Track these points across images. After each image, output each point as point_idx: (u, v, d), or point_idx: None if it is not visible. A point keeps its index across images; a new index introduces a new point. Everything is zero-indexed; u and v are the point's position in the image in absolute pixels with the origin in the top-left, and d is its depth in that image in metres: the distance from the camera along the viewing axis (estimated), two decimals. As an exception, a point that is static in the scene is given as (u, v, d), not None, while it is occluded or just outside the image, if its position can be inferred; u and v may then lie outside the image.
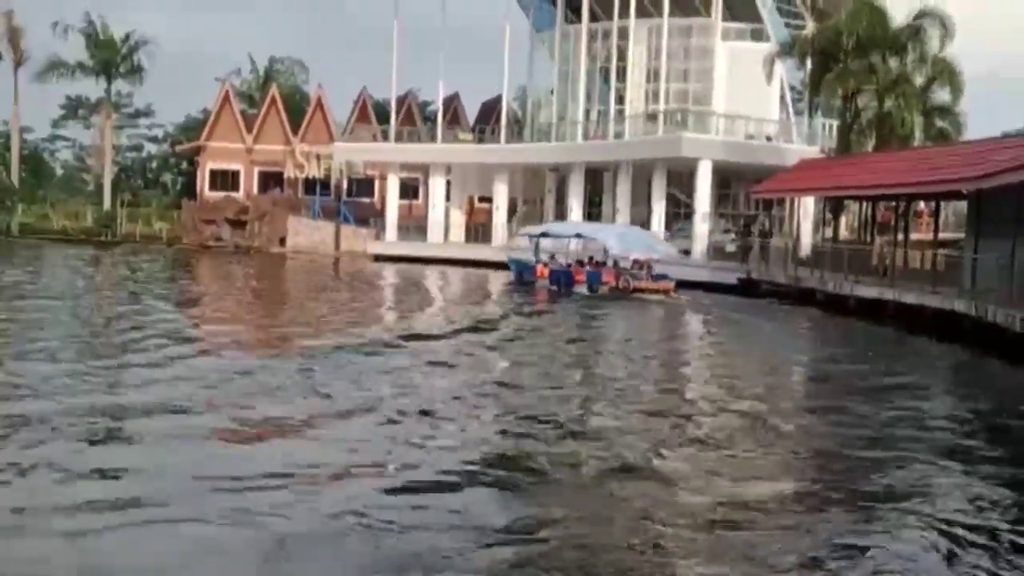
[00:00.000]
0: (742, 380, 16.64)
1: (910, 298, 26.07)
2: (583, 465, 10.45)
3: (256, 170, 61.32)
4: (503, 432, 12.04)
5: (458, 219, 54.15)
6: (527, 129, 55.31)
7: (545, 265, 37.36)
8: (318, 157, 58.01)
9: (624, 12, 47.32)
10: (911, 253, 31.90)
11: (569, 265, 36.83)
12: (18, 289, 28.69)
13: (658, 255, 36.06)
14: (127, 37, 63.67)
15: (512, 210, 52.98)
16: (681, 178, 45.27)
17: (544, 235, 39.22)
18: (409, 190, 57.96)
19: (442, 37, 53.41)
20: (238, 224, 57.15)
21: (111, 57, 63.15)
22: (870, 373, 18.27)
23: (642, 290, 33.71)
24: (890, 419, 13.72)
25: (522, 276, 38.13)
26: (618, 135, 47.36)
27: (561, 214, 50.21)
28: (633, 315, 28.80)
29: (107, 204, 63.51)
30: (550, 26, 54.13)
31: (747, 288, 35.61)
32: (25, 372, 14.16)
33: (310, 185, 58.70)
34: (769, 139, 44.18)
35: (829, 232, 40.21)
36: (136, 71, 64.45)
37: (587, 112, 50.62)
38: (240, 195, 59.97)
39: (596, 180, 50.11)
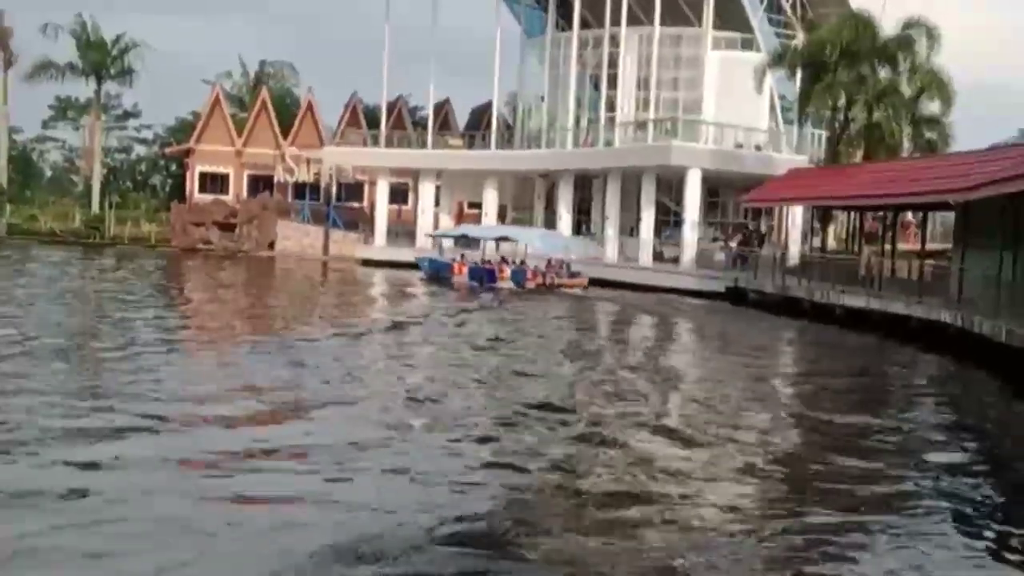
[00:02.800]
0: (724, 387, 16.65)
1: (897, 308, 26.19)
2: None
3: (246, 173, 61.24)
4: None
5: (447, 224, 54.12)
6: (517, 135, 55.35)
7: (463, 263, 40.38)
8: (308, 161, 58.00)
9: (615, 20, 47.39)
10: (898, 263, 32.05)
11: (489, 263, 39.99)
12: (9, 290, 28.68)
13: (575, 255, 41.04)
14: (118, 39, 63.52)
15: (502, 216, 53.01)
16: (670, 186, 45.35)
17: (464, 237, 43.12)
18: (399, 195, 57.99)
19: (433, 43, 53.50)
20: (227, 227, 57.02)
21: (102, 59, 62.99)
22: (851, 382, 18.34)
23: (562, 285, 38.39)
24: (869, 427, 13.76)
25: (438, 273, 40.96)
26: (608, 142, 47.43)
27: (551, 220, 50.26)
28: (587, 309, 28.89)
29: (96, 206, 63.30)
30: (541, 33, 54.20)
31: (735, 296, 35.70)
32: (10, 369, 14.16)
33: (299, 189, 58.67)
34: (759, 148, 44.29)
35: (817, 242, 40.35)
36: (127, 73, 64.31)
37: (577, 119, 50.67)
38: (229, 198, 59.85)
39: (586, 187, 50.16)
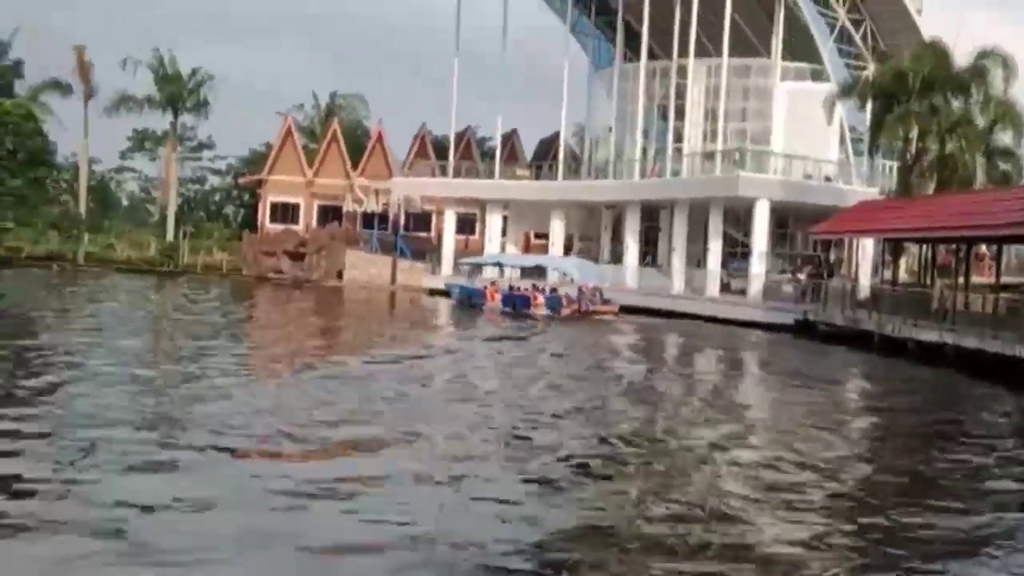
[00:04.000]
0: (795, 420, 16.44)
1: (970, 342, 25.62)
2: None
3: (316, 203, 62.23)
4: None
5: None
6: (584, 166, 55.49)
7: (495, 290, 41.15)
8: (376, 191, 58.76)
9: (683, 51, 47.41)
10: (972, 297, 31.38)
11: (525, 289, 40.83)
12: (88, 315, 29.44)
13: (607, 283, 42.22)
14: (194, 72, 65.10)
15: (568, 247, 53.07)
16: (738, 217, 45.08)
17: (499, 265, 44.72)
18: (466, 225, 58.38)
19: (502, 74, 54.06)
20: (297, 256, 57.90)
21: (178, 91, 64.55)
22: (924, 419, 17.99)
23: (596, 312, 38.85)
24: (945, 465, 13.47)
25: (470, 300, 41.73)
26: (675, 173, 47.32)
27: (617, 252, 50.24)
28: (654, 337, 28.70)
29: (170, 235, 64.68)
30: (609, 64, 54.41)
31: (804, 329, 35.24)
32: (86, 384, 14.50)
33: (368, 219, 59.43)
34: (828, 179, 43.87)
35: (888, 274, 39.71)
36: (201, 105, 65.84)
37: (644, 150, 50.66)
38: (300, 228, 60.83)
39: (652, 218, 50.04)
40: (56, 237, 61.24)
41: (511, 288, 41.74)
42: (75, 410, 13.38)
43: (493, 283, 42.51)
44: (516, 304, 40.02)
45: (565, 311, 38.80)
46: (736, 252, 46.32)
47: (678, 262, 45.38)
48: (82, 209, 65.79)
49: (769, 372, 25.08)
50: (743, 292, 42.33)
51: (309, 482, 10.30)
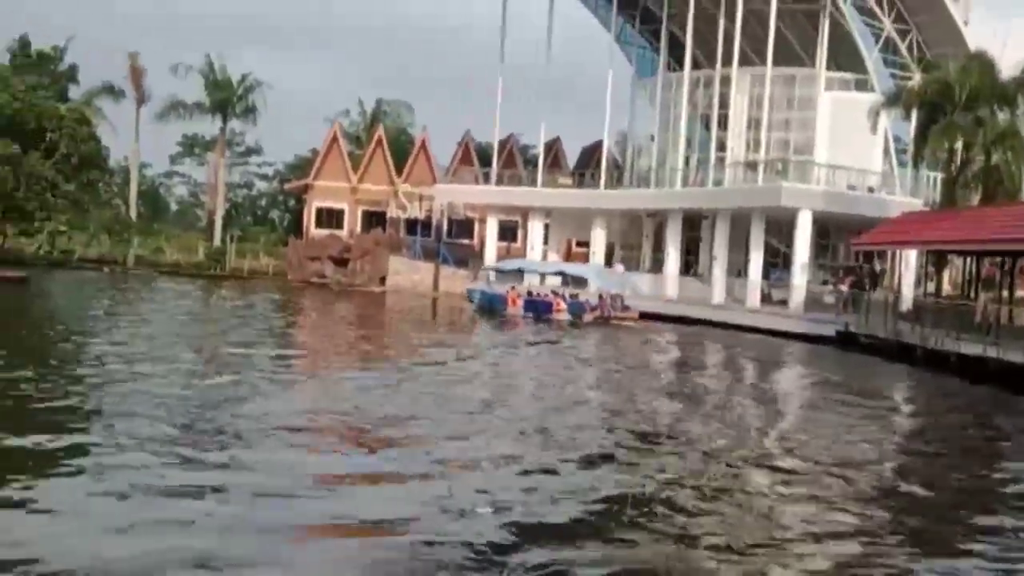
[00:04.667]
0: (837, 433, 16.51)
1: (1015, 357, 25.44)
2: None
3: (360, 209, 62.85)
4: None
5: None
6: (627, 174, 55.68)
7: (517, 296, 41.72)
8: (420, 198, 59.26)
9: (727, 61, 47.46)
10: (1017, 310, 31.16)
11: (546, 295, 41.71)
12: (137, 317, 30.11)
13: (628, 290, 43.27)
14: (243, 78, 66.10)
15: (610, 255, 53.24)
16: (780, 227, 45.00)
17: (519, 271, 45.59)
18: (508, 233, 58.71)
19: (545, 83, 54.38)
20: (341, 262, 58.54)
21: (227, 97, 65.57)
22: (968, 434, 17.99)
23: (617, 318, 39.52)
24: (990, 481, 13.51)
25: (491, 305, 41.91)
26: (717, 183, 47.35)
27: (658, 260, 50.35)
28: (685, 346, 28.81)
29: (218, 239, 65.66)
30: (652, 73, 54.57)
31: (845, 341, 35.15)
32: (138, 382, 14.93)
33: (412, 225, 59.95)
34: (871, 190, 43.68)
35: (931, 286, 39.49)
36: (250, 111, 66.84)
37: (687, 159, 50.75)
38: (344, 233, 61.47)
39: (694, 227, 50.08)
40: (107, 240, 62.43)
41: (530, 293, 42.44)
42: (123, 408, 13.77)
43: (513, 288, 43.10)
44: (538, 310, 40.75)
45: (587, 317, 39.59)
46: (777, 262, 46.27)
47: (719, 272, 45.39)
48: (133, 213, 66.98)
49: (809, 383, 25.11)
50: (784, 303, 42.27)
51: (359, 467, 10.68)
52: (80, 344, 22.17)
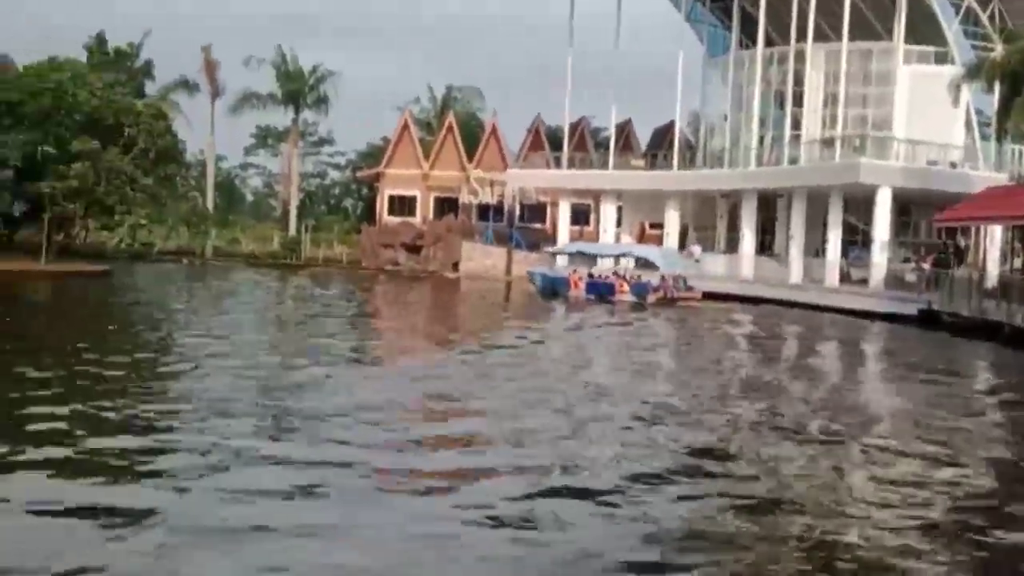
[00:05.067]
0: (925, 415, 16.08)
1: (1106, 333, 24.66)
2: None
3: (432, 196, 63.09)
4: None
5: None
6: (699, 155, 54.99)
7: (579, 278, 42.30)
8: (492, 183, 59.25)
9: (801, 36, 46.53)
10: (1108, 285, 30.12)
11: (607, 277, 42.14)
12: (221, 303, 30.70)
13: (693, 270, 43.94)
14: (314, 69, 66.74)
15: (683, 236, 52.72)
16: (858, 205, 44.13)
17: (580, 253, 45.74)
18: (580, 216, 58.42)
19: (615, 65, 53.93)
20: (414, 249, 58.85)
21: (299, 88, 66.29)
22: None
23: (680, 299, 39.95)
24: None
25: (553, 287, 42.78)
26: (793, 161, 46.54)
27: (733, 241, 49.73)
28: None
29: (292, 229, 66.49)
30: (724, 52, 53.75)
31: (927, 320, 34.33)
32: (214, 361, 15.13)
33: (484, 211, 59.99)
34: (954, 165, 42.58)
35: (1018, 262, 38.35)
36: (322, 101, 67.49)
37: (761, 138, 49.93)
38: (417, 220, 61.77)
39: (769, 207, 49.33)
40: (185, 232, 63.52)
41: (591, 275, 42.79)
42: (206, 396, 13.95)
43: (575, 271, 43.63)
44: (600, 291, 41.13)
45: (651, 298, 39.78)
46: (856, 241, 45.42)
47: (796, 251, 44.67)
48: (209, 205, 68.12)
49: (892, 363, 24.55)
50: (864, 282, 41.50)
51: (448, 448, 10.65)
52: (164, 335, 22.61)
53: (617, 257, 46.78)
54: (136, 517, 8.41)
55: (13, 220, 42.40)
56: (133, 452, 10.72)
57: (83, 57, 59.94)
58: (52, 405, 12.85)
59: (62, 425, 11.75)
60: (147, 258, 55.12)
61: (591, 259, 45.88)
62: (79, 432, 11.45)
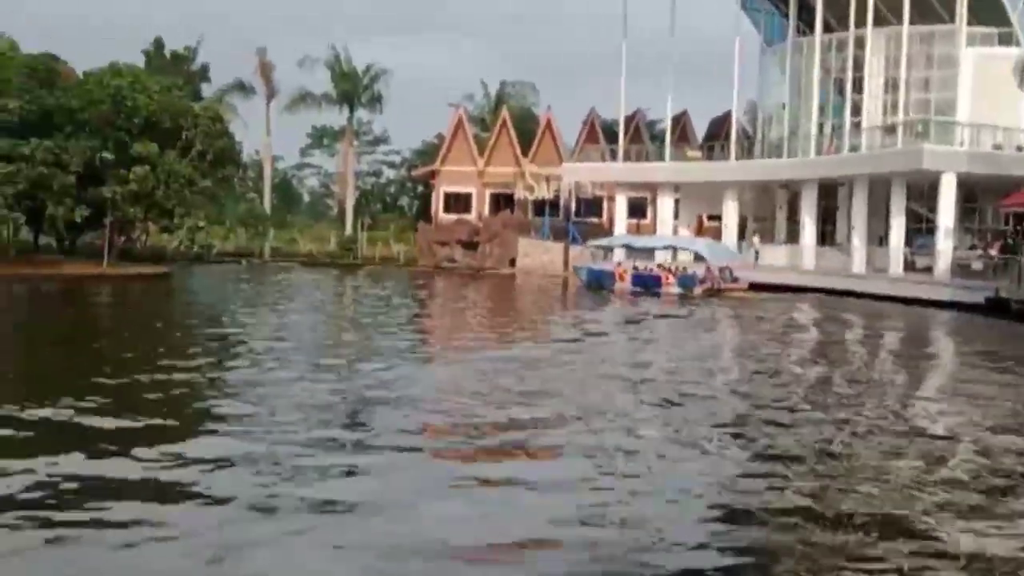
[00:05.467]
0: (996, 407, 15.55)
1: None
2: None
3: (487, 192, 62.98)
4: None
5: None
6: (757, 145, 54.23)
7: (624, 271, 42.57)
8: (547, 178, 59.03)
9: (861, 21, 45.62)
10: None
11: (652, 270, 42.25)
12: (276, 302, 30.91)
13: (738, 261, 43.68)
14: (368, 68, 67.04)
15: (742, 228, 52.06)
16: (922, 192, 43.23)
17: (627, 247, 46.03)
18: (637, 210, 57.95)
19: (670, 55, 53.37)
20: (470, 245, 58.82)
21: (353, 88, 66.61)
22: None
23: (727, 290, 40.18)
24: None
25: (599, 281, 42.78)
26: (853, 148, 45.68)
27: (793, 231, 49.01)
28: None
29: (349, 228, 66.86)
30: (781, 39, 52.92)
31: (996, 308, 33.43)
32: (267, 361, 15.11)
33: (539, 206, 59.80)
34: (1020, 149, 41.50)
35: (1090, 247, 37.24)
36: (376, 100, 67.79)
37: (820, 126, 49.09)
38: (472, 217, 61.72)
39: (830, 196, 48.51)
40: (243, 233, 64.23)
41: (635, 268, 42.81)
42: (275, 392, 13.93)
43: (619, 264, 43.95)
44: (647, 284, 41.24)
45: (698, 290, 40.03)
46: (920, 228, 44.50)
47: (858, 240, 43.89)
48: (267, 206, 68.77)
49: (962, 353, 23.91)
50: (928, 270, 40.64)
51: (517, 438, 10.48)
52: (226, 334, 22.70)
53: (669, 249, 46.61)
54: (218, 500, 8.66)
55: (75, 225, 43.05)
56: (208, 446, 10.78)
57: (141, 62, 60.77)
58: (132, 402, 13.08)
59: (141, 421, 11.83)
60: (206, 260, 55.74)
61: (647, 252, 45.52)
62: (152, 429, 11.50)
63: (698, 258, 43.47)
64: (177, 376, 15.37)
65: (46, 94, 42.36)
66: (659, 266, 43.11)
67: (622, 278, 42.25)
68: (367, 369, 16.81)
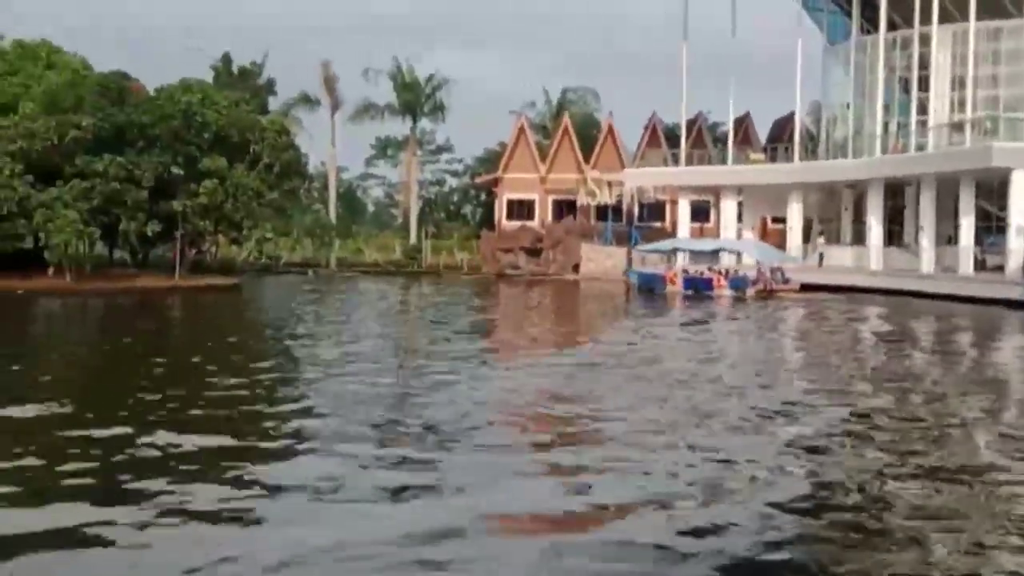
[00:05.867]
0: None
1: None
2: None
3: (550, 199, 63.14)
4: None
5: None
6: (822, 146, 53.74)
7: (675, 275, 43.34)
8: (609, 184, 59.04)
9: (926, 18, 45.02)
10: None
11: (702, 273, 43.01)
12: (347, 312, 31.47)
13: (791, 263, 44.73)
14: (430, 78, 67.61)
15: (807, 230, 51.57)
16: (991, 190, 42.48)
17: (676, 250, 46.66)
18: (700, 213, 57.72)
19: (732, 57, 53.17)
20: (533, 252, 59.01)
21: (416, 98, 67.23)
22: None
23: (779, 291, 41.11)
24: None
25: (650, 285, 43.51)
26: (920, 147, 45.08)
27: (859, 232, 48.45)
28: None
29: (413, 237, 67.43)
30: (845, 38, 52.39)
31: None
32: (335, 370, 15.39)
33: (602, 212, 59.83)
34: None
35: None
36: (438, 109, 68.35)
37: (886, 125, 48.49)
38: (535, 224, 61.91)
39: (897, 196, 47.88)
40: (310, 244, 65.13)
41: (685, 271, 43.64)
42: (347, 399, 14.17)
43: (670, 267, 44.75)
44: (698, 287, 41.90)
45: (750, 291, 40.83)
46: (990, 227, 43.74)
47: (927, 241, 43.26)
48: (332, 216, 69.62)
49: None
50: (1000, 269, 39.92)
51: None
52: (296, 343, 23.11)
53: (738, 254, 46.78)
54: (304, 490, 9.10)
55: (148, 239, 44.06)
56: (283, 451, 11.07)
57: (210, 77, 61.97)
58: (213, 407, 13.57)
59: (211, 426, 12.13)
60: (274, 270, 56.60)
61: (706, 255, 45.73)
62: (233, 430, 11.87)
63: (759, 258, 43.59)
64: (259, 378, 15.86)
65: (118, 111, 43.41)
66: (709, 268, 43.52)
67: (673, 282, 42.88)
68: (434, 374, 17.03)
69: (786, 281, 42.14)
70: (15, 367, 17.84)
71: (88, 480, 9.58)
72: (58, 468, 9.89)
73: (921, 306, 35.58)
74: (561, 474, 10.07)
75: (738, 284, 41.45)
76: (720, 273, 42.68)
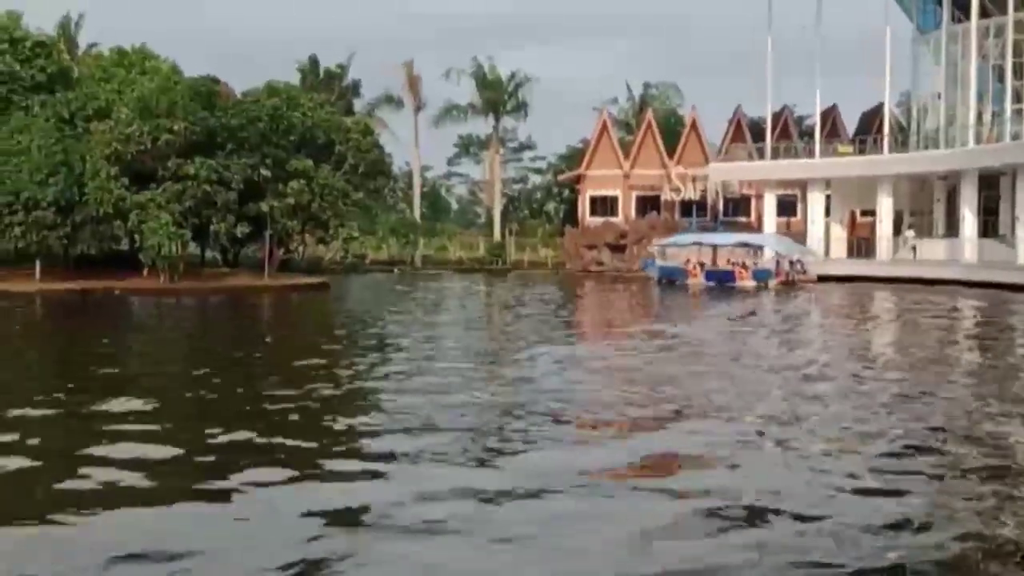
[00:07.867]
0: None
1: None
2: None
3: (634, 195, 62.83)
4: None
5: (839, 234, 52.45)
6: (912, 137, 52.53)
7: (695, 267, 44.85)
8: (693, 179, 58.60)
9: (1020, 5, 43.78)
10: None
11: (724, 265, 44.59)
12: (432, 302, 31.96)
13: (811, 256, 47.45)
14: (512, 76, 67.82)
15: (898, 223, 50.50)
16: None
17: (698, 243, 47.26)
18: (786, 207, 56.91)
19: (817, 48, 52.21)
20: (617, 248, 58.82)
21: (498, 96, 67.49)
22: None
23: (799, 282, 43.66)
24: None
25: (671, 277, 45.23)
26: (1015, 136, 43.82)
27: (953, 225, 47.32)
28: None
29: (497, 234, 67.75)
30: (935, 26, 51.15)
31: None
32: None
33: (686, 207, 59.43)
34: None
35: None
36: (520, 107, 68.53)
37: (979, 114, 47.23)
38: (619, 220, 61.69)
39: (991, 186, 46.61)
40: (395, 242, 65.87)
41: (701, 264, 44.88)
42: (437, 394, 14.14)
43: (688, 260, 45.71)
44: (721, 279, 43.46)
45: (773, 282, 42.67)
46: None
47: (1023, 232, 42.05)
48: (417, 215, 70.29)
49: None
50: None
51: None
52: (387, 339, 23.40)
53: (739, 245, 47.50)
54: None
55: (238, 239, 44.97)
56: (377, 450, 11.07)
57: (296, 79, 63.04)
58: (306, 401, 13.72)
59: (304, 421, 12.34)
60: (360, 269, 57.32)
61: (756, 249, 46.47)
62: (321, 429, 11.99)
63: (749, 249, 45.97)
64: (353, 370, 16.31)
65: (208, 115, 44.36)
66: (729, 261, 44.78)
67: (694, 274, 44.37)
68: (524, 367, 17.15)
69: (804, 272, 44.94)
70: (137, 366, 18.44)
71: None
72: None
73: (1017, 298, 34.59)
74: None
75: (762, 276, 43.21)
76: (741, 266, 44.04)
